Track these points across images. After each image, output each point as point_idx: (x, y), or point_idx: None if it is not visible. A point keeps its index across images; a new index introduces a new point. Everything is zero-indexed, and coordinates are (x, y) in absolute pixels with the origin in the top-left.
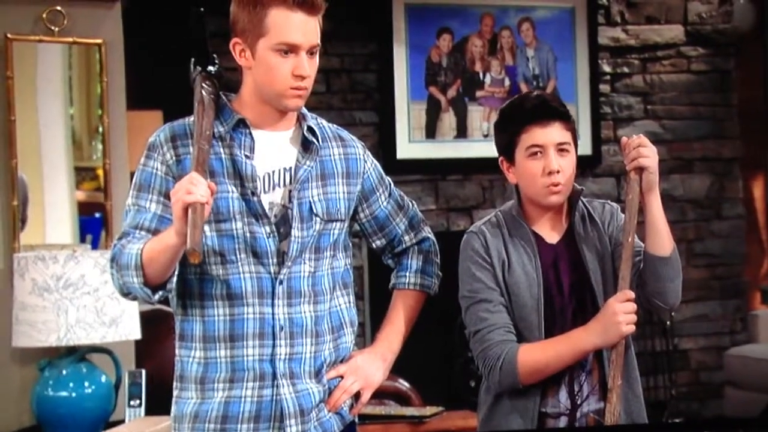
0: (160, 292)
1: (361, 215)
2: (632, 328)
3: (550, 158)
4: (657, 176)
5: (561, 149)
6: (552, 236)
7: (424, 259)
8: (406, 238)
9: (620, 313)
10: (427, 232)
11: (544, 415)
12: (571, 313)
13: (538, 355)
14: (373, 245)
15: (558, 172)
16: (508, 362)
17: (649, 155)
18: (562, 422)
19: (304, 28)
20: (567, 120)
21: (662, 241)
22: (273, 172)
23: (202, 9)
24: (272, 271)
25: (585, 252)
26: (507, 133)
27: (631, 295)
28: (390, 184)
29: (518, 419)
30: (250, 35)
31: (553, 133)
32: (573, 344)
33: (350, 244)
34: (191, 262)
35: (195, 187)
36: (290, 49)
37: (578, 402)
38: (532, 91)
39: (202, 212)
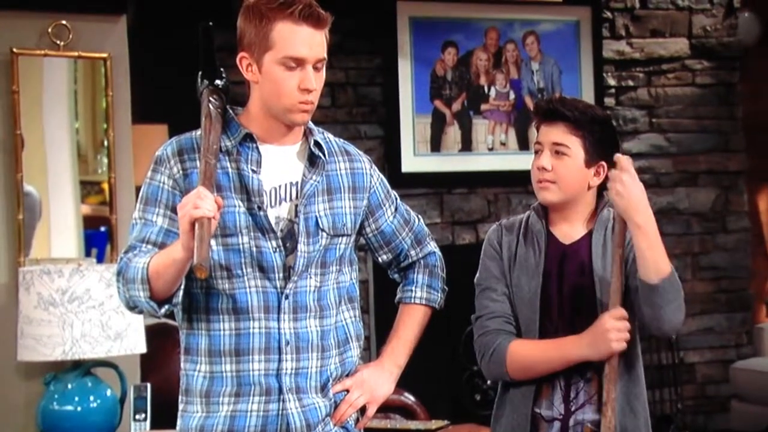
0: (167, 306)
1: (368, 230)
2: (623, 345)
3: (541, 156)
4: (635, 210)
5: (557, 150)
6: (567, 238)
7: (430, 273)
8: (413, 252)
9: (612, 330)
10: (433, 246)
11: (537, 415)
12: (568, 314)
13: (528, 352)
14: (379, 260)
15: (545, 169)
16: (498, 352)
17: (619, 192)
18: (555, 427)
19: (310, 42)
20: (573, 124)
21: (647, 270)
22: (279, 186)
23: (210, 23)
24: (278, 285)
25: (597, 259)
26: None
27: (625, 313)
28: (396, 199)
29: (514, 415)
30: (257, 49)
31: (551, 133)
32: (562, 351)
33: (356, 259)
34: (198, 277)
35: (202, 202)
36: (296, 63)
37: (572, 409)
38: (563, 97)
39: (209, 227)
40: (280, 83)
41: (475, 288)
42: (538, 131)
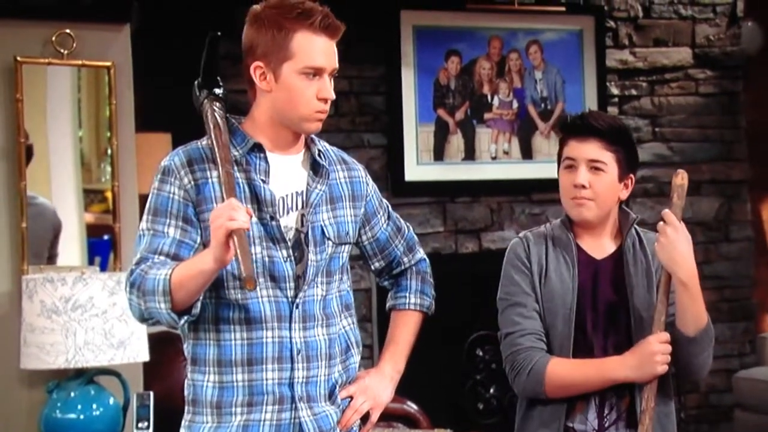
0: (186, 318)
1: (364, 238)
2: (666, 368)
3: (578, 172)
4: (678, 266)
5: (594, 166)
6: (598, 253)
7: (422, 279)
8: (405, 259)
9: (658, 353)
10: (422, 253)
11: (570, 429)
12: (603, 330)
13: (567, 372)
14: (372, 267)
15: (584, 187)
16: (536, 371)
17: (664, 246)
18: None
19: (327, 51)
20: (607, 140)
21: (686, 323)
22: (287, 196)
23: (219, 33)
24: (289, 295)
25: (631, 276)
26: (559, 145)
27: (669, 336)
28: (388, 206)
29: (544, 429)
30: (274, 59)
31: (586, 149)
32: (604, 372)
33: (349, 267)
34: (247, 288)
35: (237, 213)
36: (316, 73)
37: (606, 425)
38: (593, 111)
39: (245, 238)
40: (298, 92)
41: (497, 303)
42: (563, 145)
